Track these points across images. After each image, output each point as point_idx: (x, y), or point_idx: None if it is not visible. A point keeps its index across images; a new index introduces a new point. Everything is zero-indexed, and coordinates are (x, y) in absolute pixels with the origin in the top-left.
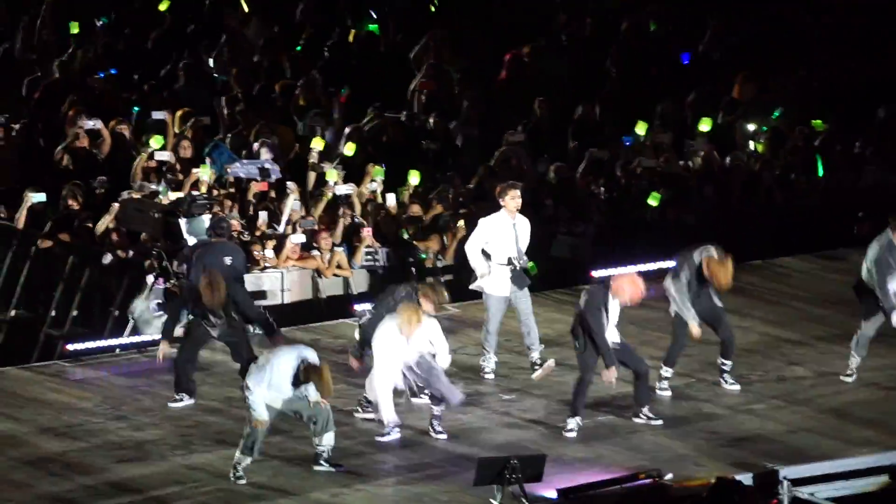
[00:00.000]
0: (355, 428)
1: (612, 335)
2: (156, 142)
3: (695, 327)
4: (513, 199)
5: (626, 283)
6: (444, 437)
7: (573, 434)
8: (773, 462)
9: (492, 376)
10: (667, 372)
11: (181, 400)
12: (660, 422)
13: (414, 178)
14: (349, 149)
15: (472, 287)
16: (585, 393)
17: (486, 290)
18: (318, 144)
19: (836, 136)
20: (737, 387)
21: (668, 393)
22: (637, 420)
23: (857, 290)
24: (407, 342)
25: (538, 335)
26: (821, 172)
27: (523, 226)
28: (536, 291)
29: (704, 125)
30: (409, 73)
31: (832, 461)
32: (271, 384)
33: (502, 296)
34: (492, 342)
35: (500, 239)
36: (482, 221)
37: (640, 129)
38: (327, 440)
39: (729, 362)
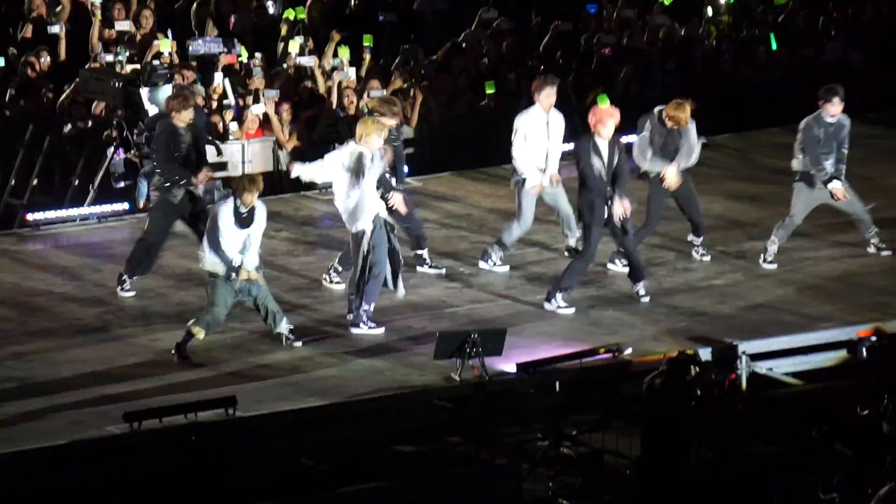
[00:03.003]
0: (318, 301)
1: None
2: None
3: (671, 173)
4: (547, 97)
5: (600, 111)
6: (381, 330)
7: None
8: (731, 337)
9: (506, 268)
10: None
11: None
12: (647, 298)
13: (367, 41)
14: (293, 14)
15: (514, 185)
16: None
17: (524, 182)
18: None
19: (798, 11)
20: (708, 257)
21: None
22: (638, 290)
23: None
24: (373, 159)
25: (574, 220)
26: (774, 47)
27: (556, 121)
28: (495, 165)
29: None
30: None
31: (791, 336)
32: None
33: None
34: (513, 238)
35: (534, 134)
36: (518, 119)
37: None
38: (284, 325)
39: (700, 239)
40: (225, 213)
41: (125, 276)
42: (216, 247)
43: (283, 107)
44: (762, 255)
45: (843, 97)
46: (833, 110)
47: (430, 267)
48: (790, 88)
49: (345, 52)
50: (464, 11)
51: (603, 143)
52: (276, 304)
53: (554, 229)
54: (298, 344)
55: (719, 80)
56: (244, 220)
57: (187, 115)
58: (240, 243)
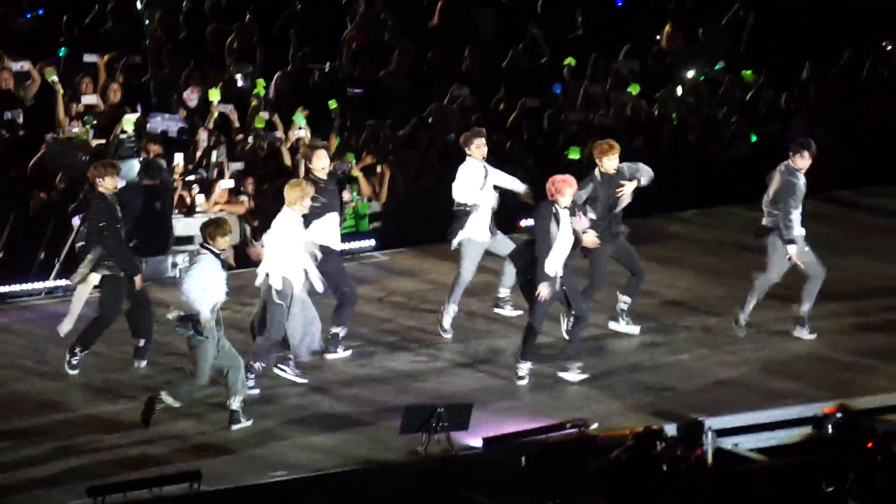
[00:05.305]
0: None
1: (563, 252)
2: (49, 73)
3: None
4: (478, 148)
5: (558, 181)
6: (305, 380)
7: (525, 382)
8: (697, 413)
9: (450, 335)
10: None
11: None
12: (585, 375)
13: (333, 105)
14: (258, 88)
15: (454, 244)
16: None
17: (466, 237)
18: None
19: (765, 88)
20: (635, 328)
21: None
22: (561, 374)
23: (759, 233)
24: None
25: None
26: (753, 139)
27: (493, 169)
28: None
29: (633, 90)
30: (341, 19)
31: (756, 412)
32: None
33: (481, 241)
34: (458, 294)
35: (475, 185)
36: (459, 171)
37: (569, 61)
38: (239, 400)
39: (629, 302)
40: (208, 262)
41: (77, 351)
42: (199, 294)
43: (248, 180)
44: (738, 316)
45: (814, 154)
46: (801, 164)
47: (343, 350)
48: (756, 165)
49: (300, 119)
50: (429, 87)
51: (564, 212)
52: (244, 379)
53: (520, 302)
54: (247, 423)
55: (685, 155)
56: (224, 264)
57: (111, 182)
58: (223, 289)
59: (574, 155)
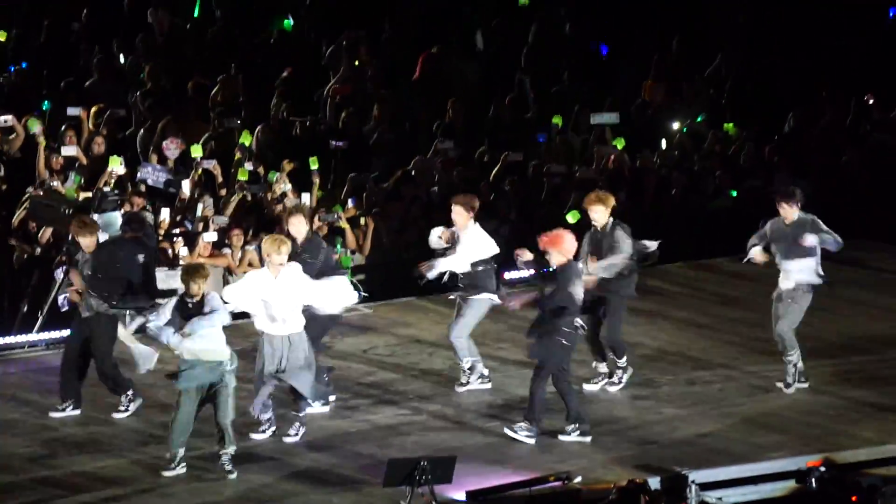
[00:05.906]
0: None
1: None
2: (32, 124)
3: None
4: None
5: (559, 239)
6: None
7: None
8: (681, 466)
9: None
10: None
11: (66, 409)
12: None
13: (314, 164)
14: (244, 138)
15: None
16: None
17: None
18: (246, 140)
19: (748, 142)
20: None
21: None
22: (563, 437)
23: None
24: (275, 279)
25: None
26: (734, 193)
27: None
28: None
29: (618, 144)
30: (323, 71)
31: (740, 466)
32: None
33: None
34: (473, 348)
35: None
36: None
37: (557, 120)
38: (230, 448)
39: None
40: (169, 308)
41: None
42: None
43: (233, 232)
44: (794, 377)
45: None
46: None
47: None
48: (739, 218)
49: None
50: (413, 140)
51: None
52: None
53: (505, 353)
54: (233, 476)
55: (669, 208)
56: (191, 312)
57: (86, 241)
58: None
59: (572, 219)
